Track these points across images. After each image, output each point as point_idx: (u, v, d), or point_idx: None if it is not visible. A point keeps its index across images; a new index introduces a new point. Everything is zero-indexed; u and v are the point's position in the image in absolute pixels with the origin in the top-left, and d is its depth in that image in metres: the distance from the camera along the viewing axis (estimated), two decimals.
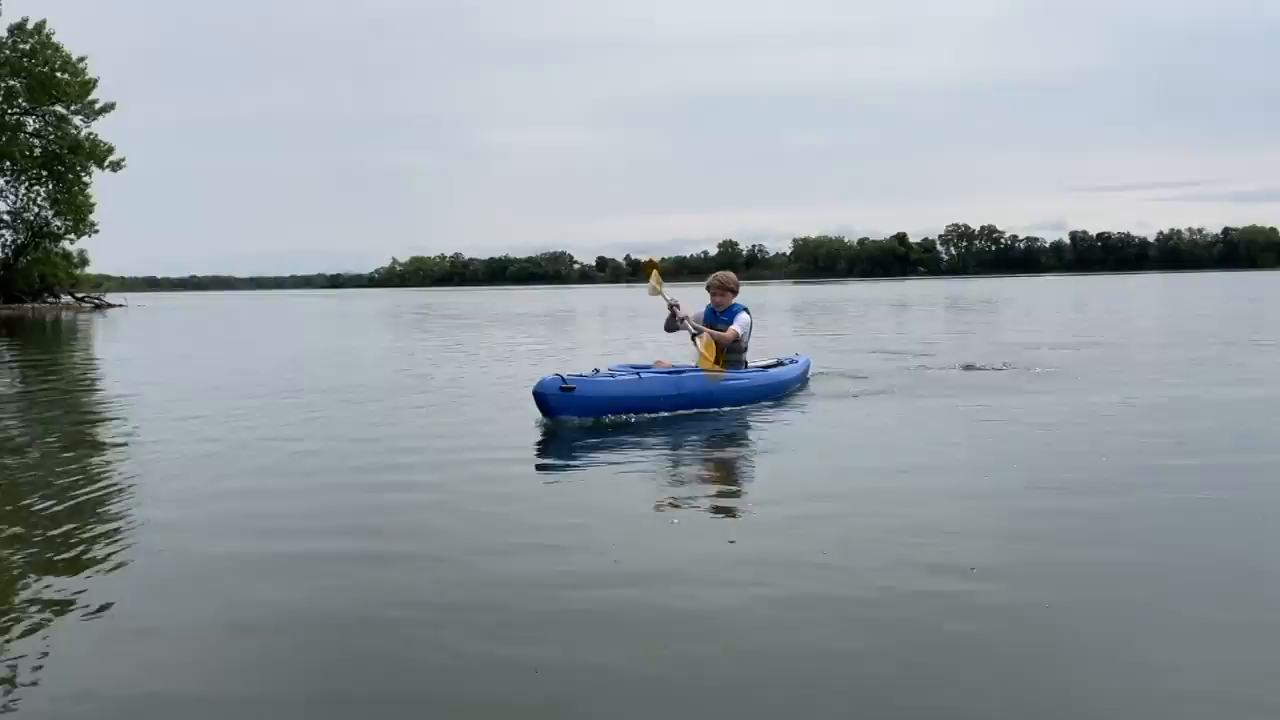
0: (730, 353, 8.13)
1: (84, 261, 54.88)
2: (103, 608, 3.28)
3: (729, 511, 4.69)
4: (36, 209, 51.75)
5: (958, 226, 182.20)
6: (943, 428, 6.94)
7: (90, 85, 50.00)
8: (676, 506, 4.65)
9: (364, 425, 7.44)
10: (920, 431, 6.80)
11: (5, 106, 49.95)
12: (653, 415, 7.24)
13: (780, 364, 8.98)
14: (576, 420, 6.93)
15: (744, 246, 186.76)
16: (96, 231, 52.66)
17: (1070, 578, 3.46)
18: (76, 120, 50.53)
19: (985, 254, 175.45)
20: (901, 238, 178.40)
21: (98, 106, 50.54)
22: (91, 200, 51.87)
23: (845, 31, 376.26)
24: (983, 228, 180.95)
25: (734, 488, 5.36)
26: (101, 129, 51.62)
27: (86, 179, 51.31)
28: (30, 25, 48.75)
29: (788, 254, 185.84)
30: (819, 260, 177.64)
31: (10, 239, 51.99)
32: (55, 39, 49.21)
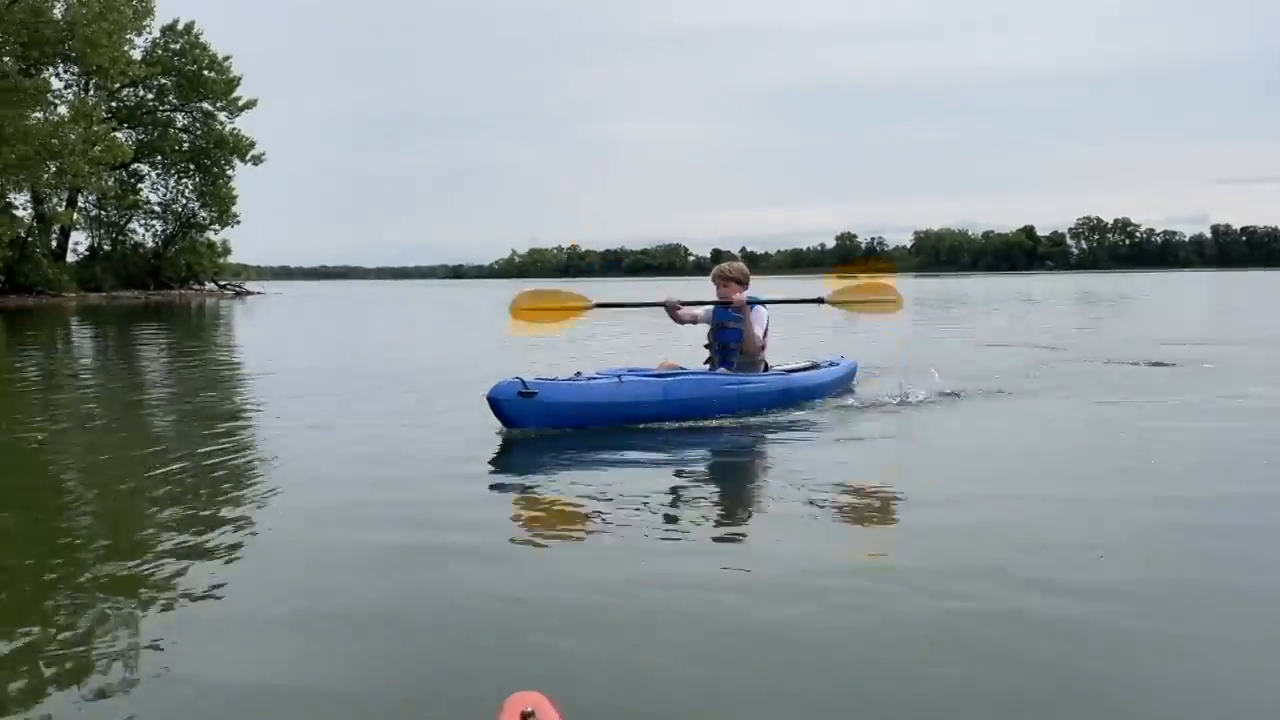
0: (743, 354, 6.99)
1: (226, 251, 57.89)
2: (216, 594, 3.27)
3: (831, 511, 4.31)
4: (184, 201, 54.95)
5: (1089, 219, 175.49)
6: (1064, 430, 6.48)
7: (234, 83, 52.74)
8: (809, 506, 4.36)
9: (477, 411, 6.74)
10: (1037, 435, 6.32)
11: (157, 104, 53.09)
12: (636, 426, 6.14)
13: (815, 367, 7.64)
14: (535, 431, 5.93)
15: (862, 239, 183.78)
16: (238, 222, 55.72)
17: (1205, 605, 3.05)
18: (221, 116, 53.47)
19: (1119, 248, 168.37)
20: (1029, 231, 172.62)
21: (240, 103, 53.36)
22: (234, 192, 54.83)
23: (970, 18, 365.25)
24: (1116, 221, 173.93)
25: (847, 490, 4.76)
26: (243, 124, 54.45)
27: (230, 172, 54.25)
28: (180, 26, 51.68)
29: (908, 247, 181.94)
30: (941, 254, 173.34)
31: (160, 229, 55.29)
32: (203, 39, 52.08)
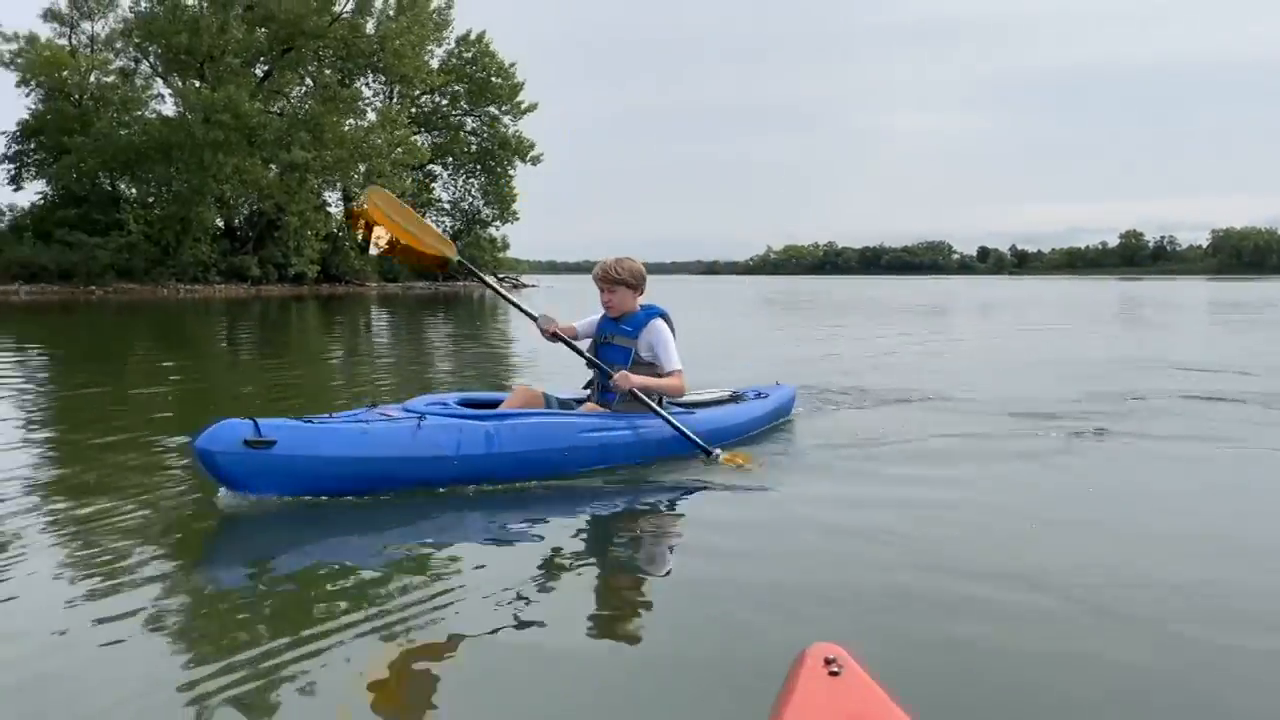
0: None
1: (505, 246, 61.63)
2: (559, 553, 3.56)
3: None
4: (470, 199, 58.98)
5: None
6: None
7: (519, 88, 55.98)
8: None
9: None
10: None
11: (450, 109, 57.22)
12: (435, 492, 4.21)
13: (735, 398, 5.82)
14: (276, 497, 3.98)
15: (1150, 238, 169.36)
16: (518, 219, 59.12)
17: None
18: (505, 119, 56.95)
19: None
20: None
21: (523, 107, 56.58)
22: (514, 191, 58.25)
23: None
24: None
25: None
26: (523, 126, 57.68)
27: (511, 172, 57.68)
28: (472, 36, 55.40)
29: (1203, 247, 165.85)
30: (1243, 254, 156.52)
31: (449, 225, 59.52)
32: (492, 48, 55.63)
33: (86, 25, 45.58)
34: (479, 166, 57.63)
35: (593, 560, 3.57)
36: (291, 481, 3.99)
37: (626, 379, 4.79)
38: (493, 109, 56.53)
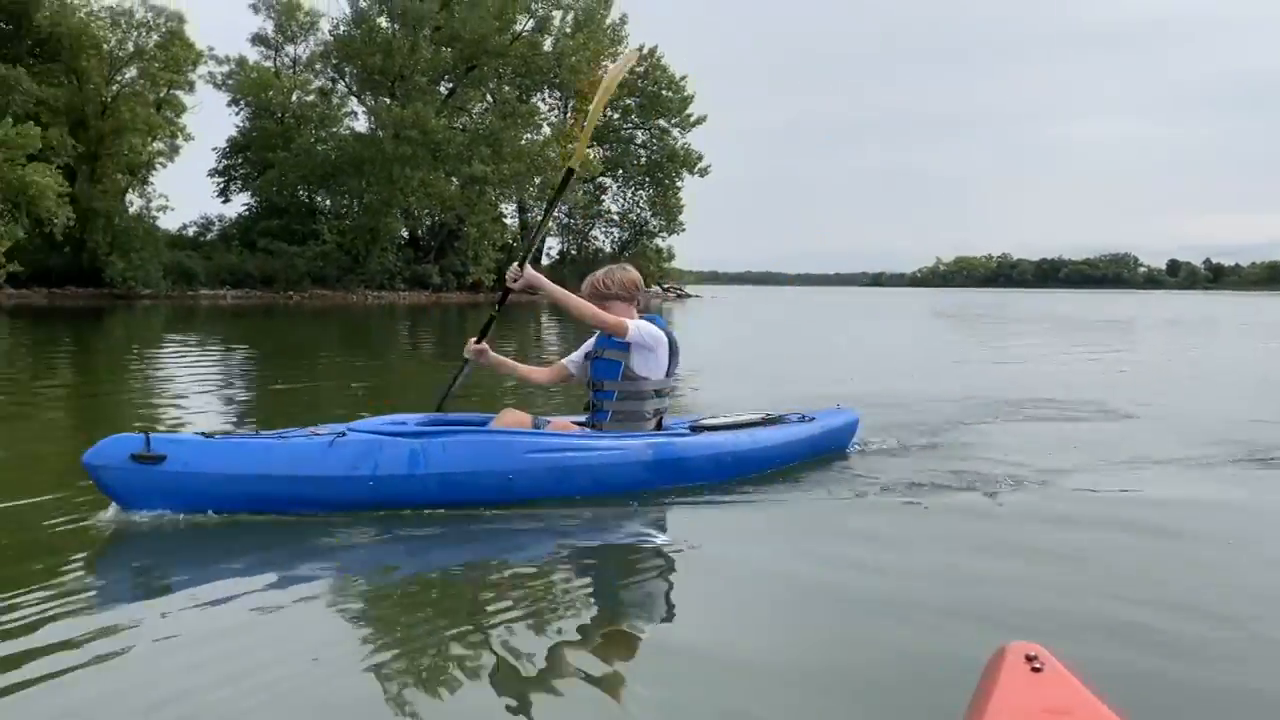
0: (630, 397, 4.47)
1: (671, 256, 62.47)
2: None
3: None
4: (638, 210, 60.05)
5: None
6: None
7: (688, 100, 56.68)
8: None
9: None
10: None
11: (621, 122, 58.47)
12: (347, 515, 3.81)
13: (771, 420, 5.05)
14: (169, 513, 3.74)
15: None
16: (684, 230, 59.87)
17: None
18: (675, 132, 57.76)
19: None
20: None
21: (692, 120, 57.25)
22: (681, 202, 58.99)
23: None
24: None
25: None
26: (691, 138, 58.38)
27: (679, 184, 58.44)
28: (645, 50, 56.43)
29: None
30: None
31: (617, 236, 60.90)
32: (664, 62, 56.56)
33: (290, 48, 49.05)
34: (648, 178, 58.66)
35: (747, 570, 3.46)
36: (184, 499, 3.73)
37: (522, 272, 4.39)
38: (663, 122, 57.46)
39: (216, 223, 47.46)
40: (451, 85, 47.50)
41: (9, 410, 7.64)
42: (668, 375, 4.55)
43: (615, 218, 60.28)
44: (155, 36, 38.84)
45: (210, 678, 2.41)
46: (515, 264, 4.45)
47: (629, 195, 59.92)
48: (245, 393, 9.33)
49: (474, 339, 4.62)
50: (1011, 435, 6.26)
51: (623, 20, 52.36)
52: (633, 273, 4.61)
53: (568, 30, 48.52)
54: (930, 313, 36.95)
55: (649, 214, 59.58)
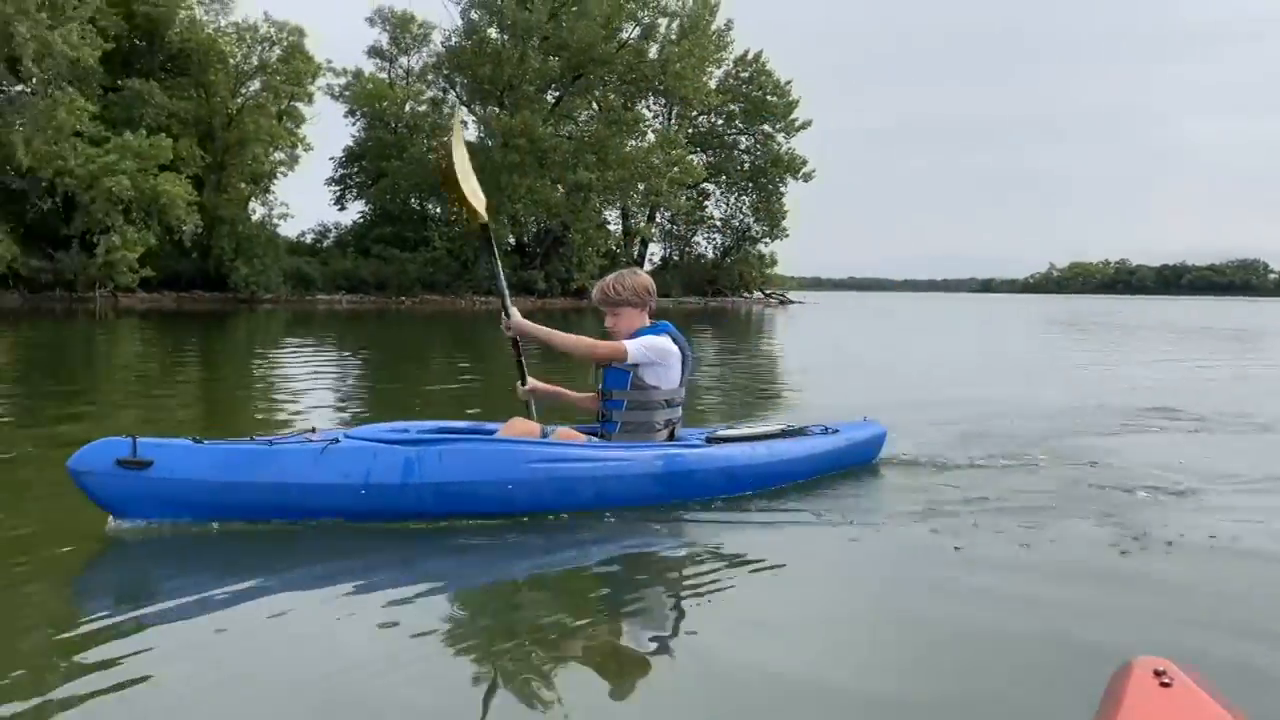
0: (640, 407, 4.30)
1: (773, 262, 61.95)
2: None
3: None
4: (741, 216, 59.81)
5: None
6: None
7: (793, 105, 56.22)
8: None
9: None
10: None
11: (725, 128, 58.39)
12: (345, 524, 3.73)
13: (790, 432, 4.85)
14: (157, 523, 3.66)
15: None
16: (787, 236, 59.36)
17: None
18: (779, 137, 57.34)
19: None
20: None
21: (796, 124, 56.75)
22: (785, 208, 58.51)
23: None
24: None
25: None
26: (794, 143, 57.88)
27: (783, 189, 58.00)
28: (749, 56, 56.26)
29: None
30: None
31: (720, 241, 60.76)
32: (768, 67, 56.24)
33: (403, 60, 50.60)
34: (751, 184, 58.35)
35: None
36: (171, 506, 3.61)
37: (511, 322, 4.33)
38: (766, 127, 57.10)
39: (333, 230, 49.25)
40: (558, 94, 48.18)
41: (133, 403, 8.07)
42: (680, 385, 4.38)
43: (718, 224, 60.20)
44: (277, 50, 40.46)
45: (200, 685, 2.42)
46: (503, 314, 4.37)
47: (732, 201, 59.74)
48: (357, 391, 9.68)
49: (519, 382, 4.50)
50: (1110, 445, 5.99)
51: (728, 26, 52.38)
52: (643, 277, 4.46)
53: (673, 37, 48.73)
54: (1045, 320, 35.74)
55: (752, 219, 59.26)
